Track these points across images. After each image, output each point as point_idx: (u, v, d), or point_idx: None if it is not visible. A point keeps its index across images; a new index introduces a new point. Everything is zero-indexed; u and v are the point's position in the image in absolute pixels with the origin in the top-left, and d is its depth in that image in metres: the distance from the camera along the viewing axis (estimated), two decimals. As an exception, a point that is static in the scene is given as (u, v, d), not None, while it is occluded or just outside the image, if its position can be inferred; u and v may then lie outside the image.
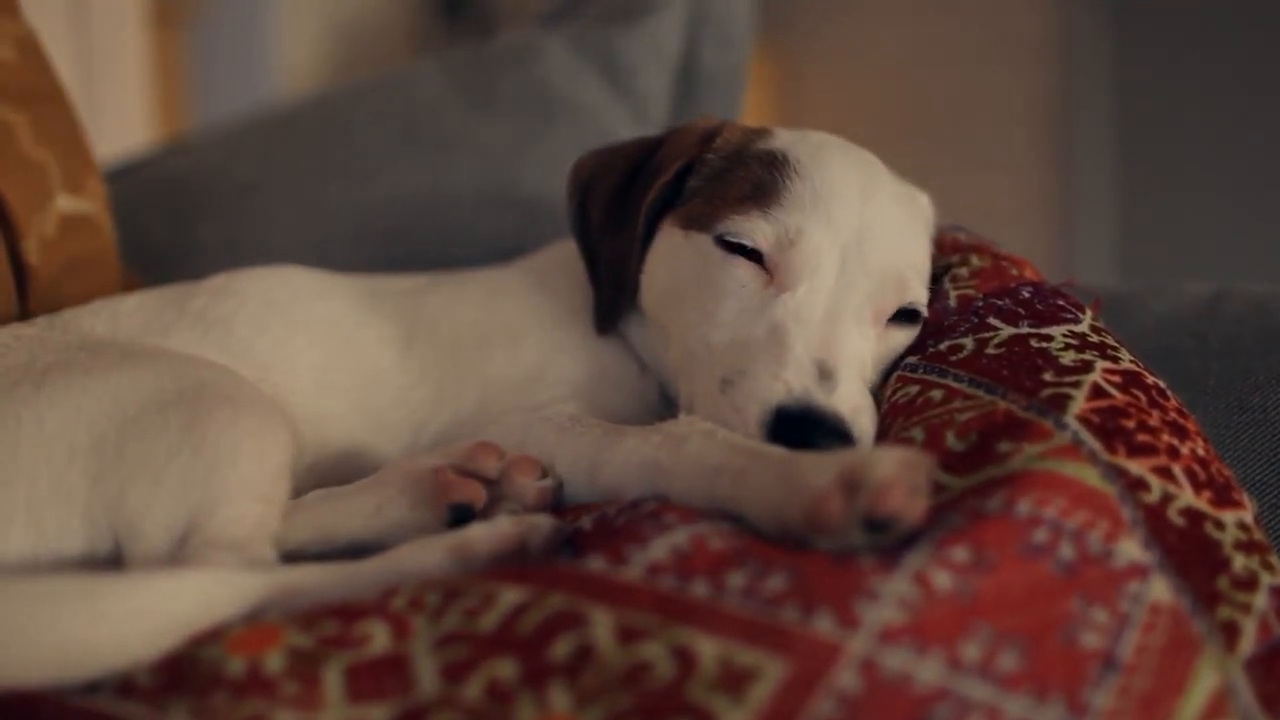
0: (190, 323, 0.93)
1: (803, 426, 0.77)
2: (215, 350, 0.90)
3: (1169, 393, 0.80)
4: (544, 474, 0.81)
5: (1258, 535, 0.70)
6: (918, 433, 0.76)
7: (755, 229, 0.85)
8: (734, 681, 0.54)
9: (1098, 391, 0.75)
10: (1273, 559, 0.69)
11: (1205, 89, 3.15)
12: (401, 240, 1.34)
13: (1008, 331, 0.83)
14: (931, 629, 0.57)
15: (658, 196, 0.92)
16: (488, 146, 1.38)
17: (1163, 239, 3.23)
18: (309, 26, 3.38)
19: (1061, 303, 0.87)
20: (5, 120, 1.06)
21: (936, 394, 0.79)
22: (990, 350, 0.82)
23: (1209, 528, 0.69)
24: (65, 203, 1.09)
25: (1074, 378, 0.76)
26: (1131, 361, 0.81)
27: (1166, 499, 0.69)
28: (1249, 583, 0.67)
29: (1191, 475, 0.72)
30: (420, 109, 1.42)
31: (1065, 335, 0.82)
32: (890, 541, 0.63)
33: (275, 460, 0.78)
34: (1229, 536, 0.69)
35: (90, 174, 1.15)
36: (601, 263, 0.95)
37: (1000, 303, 0.87)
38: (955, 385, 0.79)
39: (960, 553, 0.61)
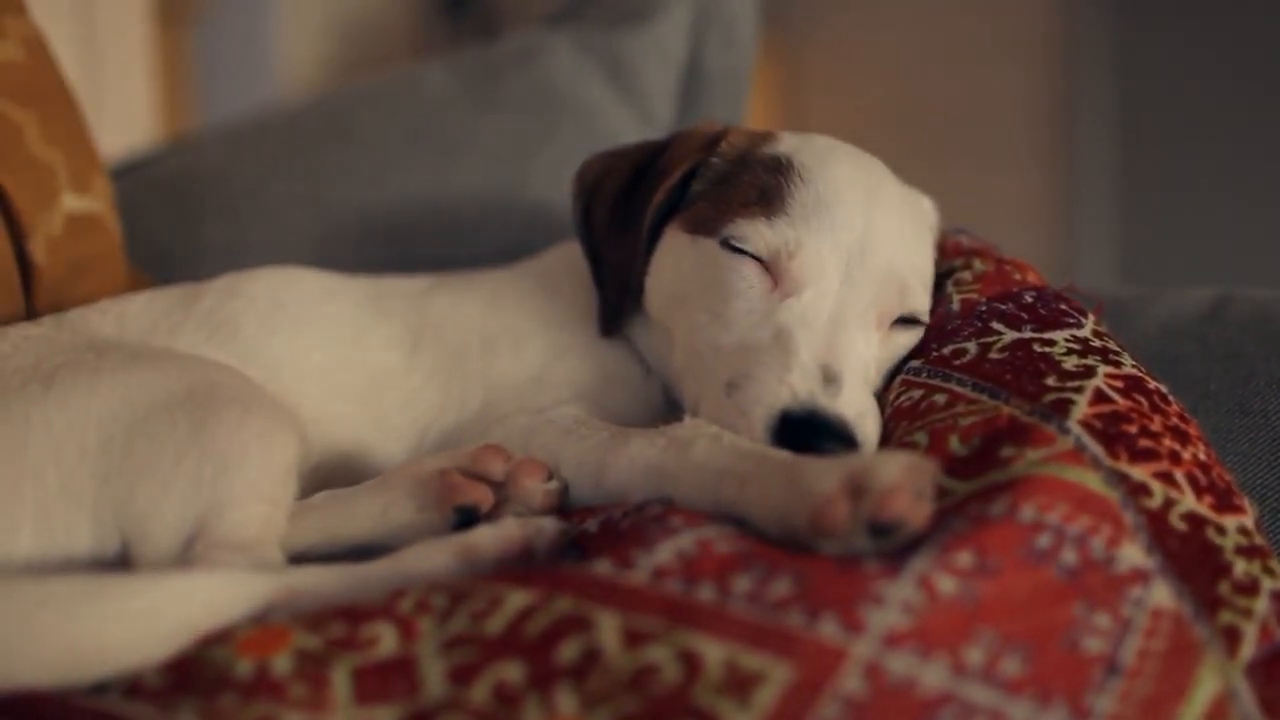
0: (197, 323, 0.93)
1: (807, 430, 0.77)
2: (222, 351, 0.91)
3: (1171, 398, 0.80)
4: (550, 476, 0.81)
5: (1259, 540, 0.71)
6: (921, 437, 0.76)
7: (759, 236, 0.85)
8: (740, 685, 0.54)
9: (1100, 396, 0.76)
10: (1273, 564, 0.70)
11: (1208, 91, 3.14)
12: (406, 241, 1.34)
13: (1010, 336, 0.84)
14: (935, 633, 0.57)
15: (663, 200, 0.92)
16: (493, 148, 1.39)
17: (1165, 243, 3.23)
18: (313, 26, 3.38)
19: (1064, 307, 0.88)
20: (12, 119, 1.06)
21: (940, 398, 0.80)
22: (993, 354, 0.82)
23: (1210, 533, 0.69)
24: (72, 202, 1.10)
25: (1076, 383, 0.77)
26: (1134, 366, 0.81)
27: (1168, 504, 0.69)
28: (1250, 587, 0.67)
29: (1193, 480, 0.72)
30: (425, 110, 1.42)
31: (1068, 340, 0.83)
32: (894, 546, 0.63)
33: (283, 462, 0.78)
34: (1230, 541, 0.69)
35: (96, 173, 1.15)
36: (606, 265, 0.96)
37: (1003, 307, 0.88)
38: (958, 389, 0.80)
39: (964, 557, 0.61)
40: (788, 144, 0.92)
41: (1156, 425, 0.75)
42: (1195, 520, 0.69)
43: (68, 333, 0.90)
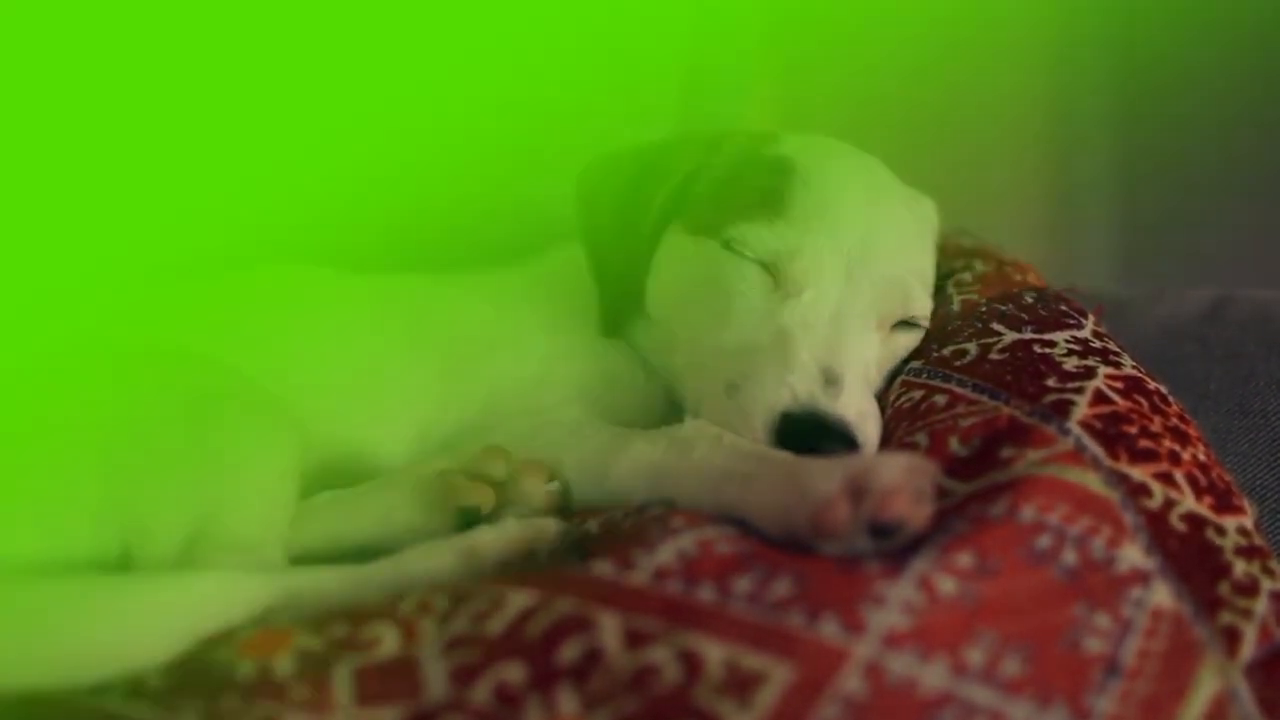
0: (199, 321, 0.93)
1: (808, 431, 0.77)
2: (224, 348, 0.90)
3: (1170, 398, 0.80)
4: (551, 477, 0.81)
5: (1258, 540, 0.71)
6: (921, 438, 0.76)
7: (759, 239, 0.85)
8: (741, 685, 0.54)
9: (1100, 397, 0.76)
10: (1273, 564, 0.70)
11: (1209, 90, 3.14)
12: (408, 241, 1.34)
13: (1011, 337, 0.84)
14: (936, 634, 0.57)
15: (664, 201, 0.92)
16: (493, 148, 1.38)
17: (1165, 242, 3.22)
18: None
19: (1064, 308, 0.88)
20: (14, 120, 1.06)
21: (940, 399, 0.80)
22: (993, 355, 0.82)
23: (1210, 533, 0.69)
24: (72, 203, 1.10)
25: (1076, 384, 0.77)
26: (1133, 367, 0.81)
27: (1168, 505, 0.69)
28: (1250, 588, 0.67)
29: (1193, 481, 0.72)
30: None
31: (1068, 341, 0.83)
32: (895, 546, 0.63)
33: (284, 462, 0.78)
34: (1230, 542, 0.69)
35: (97, 175, 1.15)
36: (607, 266, 0.96)
37: (1003, 308, 0.88)
38: (959, 390, 0.80)
39: (964, 558, 0.61)
40: (788, 145, 0.92)
41: (1156, 426, 0.75)
42: (1195, 521, 0.70)
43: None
